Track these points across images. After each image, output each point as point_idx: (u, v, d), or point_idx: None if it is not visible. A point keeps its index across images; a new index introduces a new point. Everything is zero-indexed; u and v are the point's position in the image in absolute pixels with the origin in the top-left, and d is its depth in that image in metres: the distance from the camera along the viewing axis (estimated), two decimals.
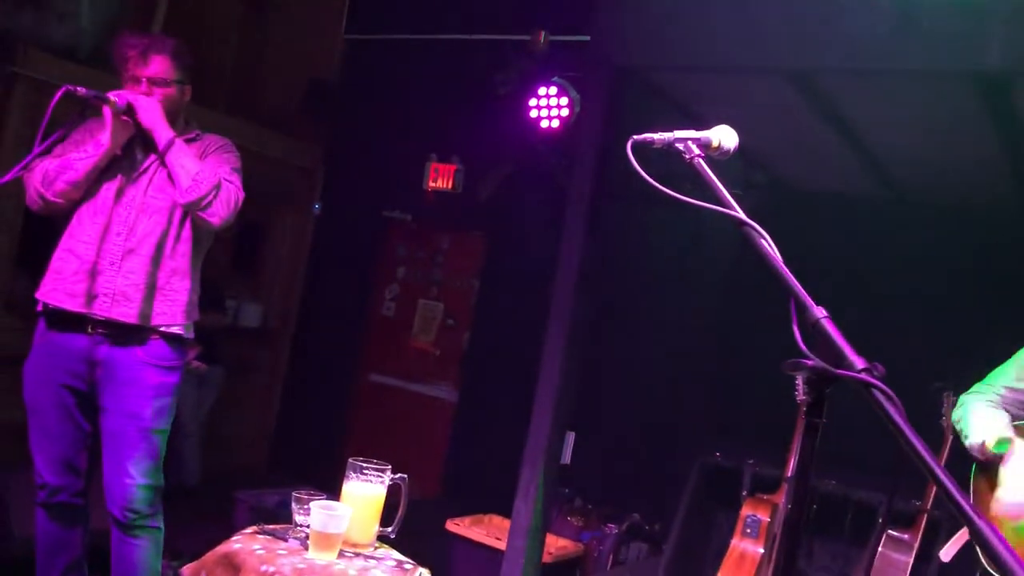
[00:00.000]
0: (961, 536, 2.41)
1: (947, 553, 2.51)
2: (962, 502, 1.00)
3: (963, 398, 2.71)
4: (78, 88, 2.60)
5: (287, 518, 2.26)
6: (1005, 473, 2.38)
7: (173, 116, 2.92)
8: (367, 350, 6.71)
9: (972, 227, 4.58)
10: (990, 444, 2.40)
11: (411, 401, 6.46)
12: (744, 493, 3.69)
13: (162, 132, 2.81)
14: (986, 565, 2.05)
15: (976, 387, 2.72)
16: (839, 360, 1.16)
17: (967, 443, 2.53)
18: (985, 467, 2.54)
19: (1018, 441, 2.33)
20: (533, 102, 4.46)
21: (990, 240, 4.47)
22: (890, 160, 4.50)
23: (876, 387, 1.11)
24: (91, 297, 2.78)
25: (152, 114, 2.80)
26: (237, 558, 2.05)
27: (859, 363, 1.14)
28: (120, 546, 2.88)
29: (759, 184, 5.26)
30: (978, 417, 2.52)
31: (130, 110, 2.78)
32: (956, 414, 2.64)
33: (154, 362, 2.86)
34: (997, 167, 4.14)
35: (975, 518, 0.99)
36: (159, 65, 2.86)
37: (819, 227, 4.77)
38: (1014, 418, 2.47)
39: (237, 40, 6.45)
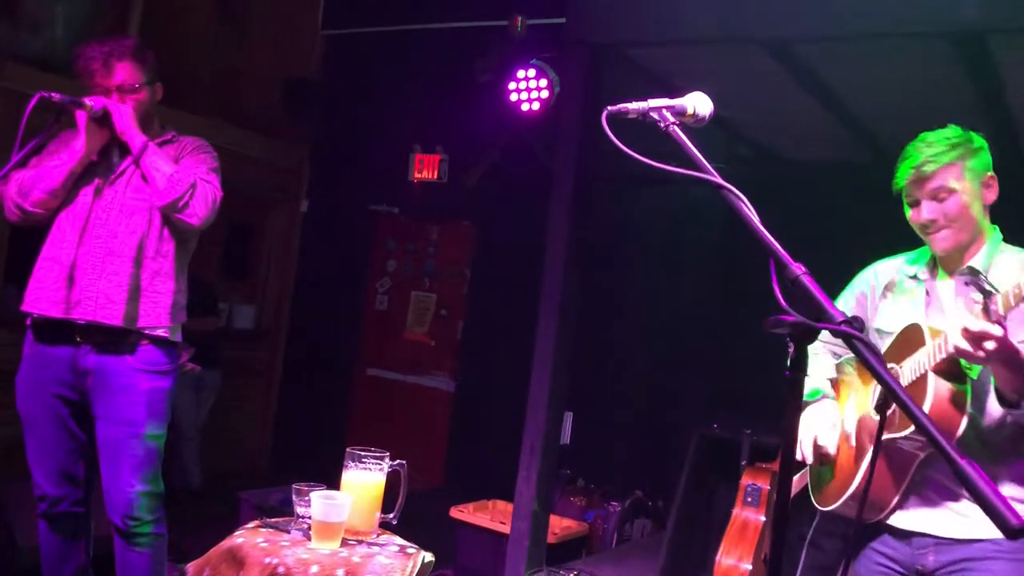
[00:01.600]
0: (798, 482, 2.28)
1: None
2: (944, 444, 1.01)
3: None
4: (53, 94, 2.59)
5: (291, 514, 2.27)
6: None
7: (147, 118, 2.90)
8: (362, 345, 6.72)
9: None
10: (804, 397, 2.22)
11: (409, 393, 6.48)
12: (743, 463, 3.71)
13: (135, 137, 2.80)
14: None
15: None
16: (819, 314, 1.17)
17: None
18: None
19: (854, 377, 2.15)
20: (512, 86, 4.46)
21: None
22: (872, 125, 4.51)
23: (856, 338, 1.12)
24: (73, 303, 2.76)
25: (125, 120, 2.79)
26: (241, 552, 2.06)
27: (839, 316, 1.16)
28: (124, 554, 2.88)
29: (744, 157, 5.27)
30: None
31: (105, 116, 2.77)
32: None
33: (146, 368, 2.85)
34: (978, 125, 4.15)
35: (957, 459, 1.00)
36: (124, 72, 2.83)
37: (806, 197, 4.78)
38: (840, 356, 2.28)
39: (213, 43, 6.42)
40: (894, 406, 1.72)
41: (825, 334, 1.94)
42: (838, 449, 2.07)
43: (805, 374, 1.19)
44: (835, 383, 2.21)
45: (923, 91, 3.87)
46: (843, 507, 2.03)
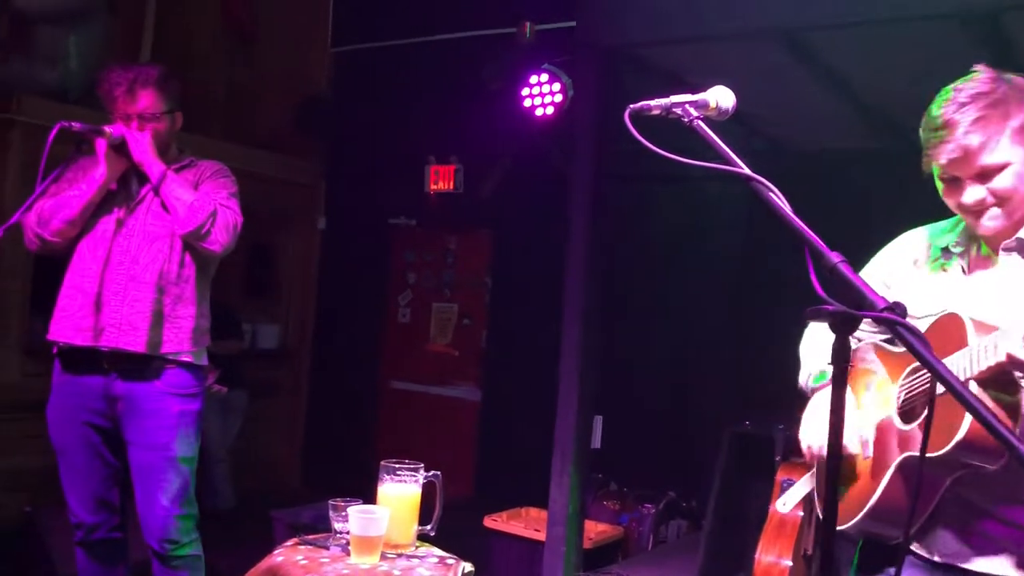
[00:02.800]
0: (804, 484, 1.96)
1: (786, 504, 2.12)
2: (999, 428, 0.99)
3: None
4: (72, 123, 2.62)
5: (325, 531, 2.26)
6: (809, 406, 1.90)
7: (165, 145, 2.92)
8: (386, 358, 6.72)
9: None
10: (810, 382, 1.92)
11: (435, 404, 6.47)
12: (777, 459, 3.67)
13: (154, 166, 2.81)
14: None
15: None
16: (860, 302, 1.15)
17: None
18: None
19: (877, 367, 1.77)
20: (526, 91, 4.46)
21: None
22: (889, 110, 4.47)
23: (901, 324, 1.10)
24: (99, 330, 2.78)
25: (143, 149, 2.80)
26: (281, 571, 2.05)
27: (880, 303, 1.14)
28: None
29: (761, 150, 5.24)
30: (808, 345, 1.98)
31: (123, 144, 2.79)
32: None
33: (174, 391, 2.86)
34: None
35: (1016, 443, 0.98)
36: (147, 100, 2.85)
37: (825, 186, 4.74)
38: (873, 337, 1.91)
39: (225, 65, 6.47)
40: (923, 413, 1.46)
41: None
42: (852, 456, 1.73)
43: (849, 365, 1.17)
44: (848, 371, 1.72)
45: (937, 75, 3.82)
46: (860, 525, 1.70)
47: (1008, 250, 1.65)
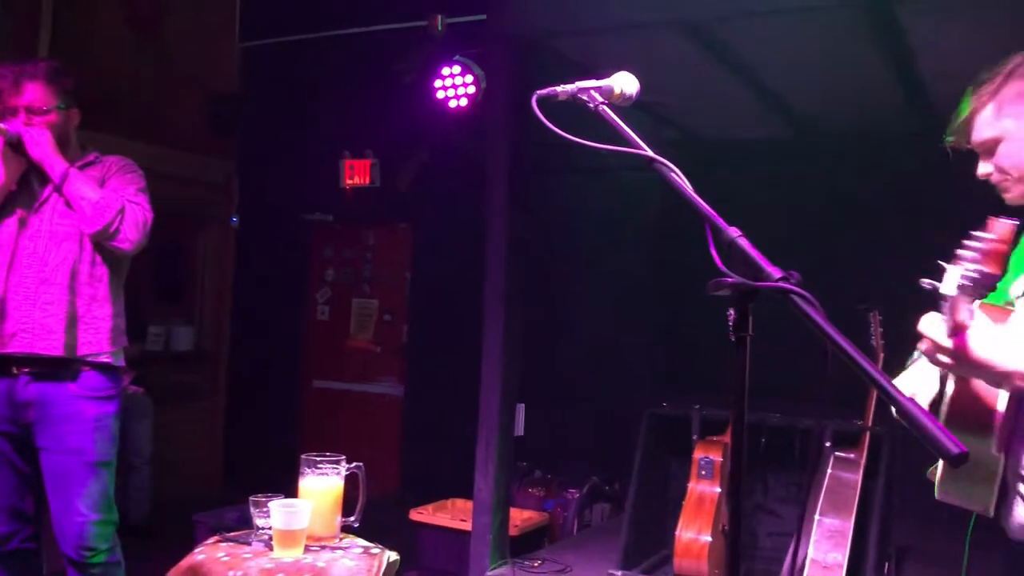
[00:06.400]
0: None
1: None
2: (886, 384, 1.05)
3: None
4: None
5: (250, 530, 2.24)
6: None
7: (63, 143, 2.82)
8: (307, 357, 6.65)
9: (873, 153, 4.77)
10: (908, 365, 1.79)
11: (358, 401, 6.43)
12: (694, 437, 3.78)
13: (55, 165, 2.71)
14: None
15: None
16: (757, 273, 1.21)
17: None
18: None
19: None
20: (438, 84, 4.46)
21: (893, 164, 4.65)
22: (790, 99, 4.63)
23: (795, 292, 1.16)
24: (9, 335, 2.69)
25: (42, 147, 2.70)
26: (203, 568, 2.03)
27: (776, 273, 1.19)
28: None
29: (671, 140, 5.37)
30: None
31: (20, 143, 2.69)
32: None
33: (89, 394, 2.78)
34: (892, 95, 4.30)
35: (900, 397, 1.04)
36: (34, 93, 2.74)
37: (732, 174, 4.89)
38: None
39: (130, 62, 6.28)
40: None
41: None
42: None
43: (749, 333, 1.22)
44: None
45: (836, 64, 3.98)
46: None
47: None
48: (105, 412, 2.81)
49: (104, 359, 2.81)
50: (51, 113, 2.77)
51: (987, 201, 1.62)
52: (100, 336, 2.80)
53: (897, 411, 1.05)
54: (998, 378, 1.35)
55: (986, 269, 1.22)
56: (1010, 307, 1.49)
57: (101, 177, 2.85)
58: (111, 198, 2.74)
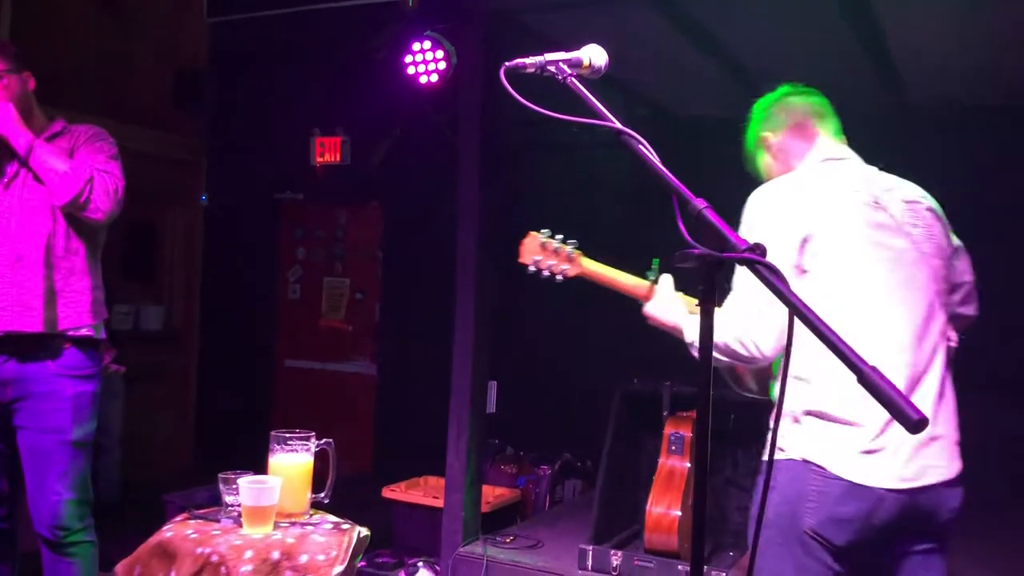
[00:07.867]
0: None
1: None
2: (848, 353, 1.06)
3: None
4: None
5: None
6: None
7: (26, 113, 2.76)
8: (279, 336, 6.61)
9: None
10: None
11: (330, 381, 6.41)
12: (665, 413, 3.80)
13: (19, 137, 2.66)
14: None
15: None
16: (723, 245, 1.21)
17: None
18: None
19: None
20: (409, 59, 4.41)
21: (860, 140, 4.68)
22: (761, 75, 4.63)
23: (760, 263, 1.16)
24: None
25: (4, 121, 2.65)
26: (171, 546, 2.02)
27: (742, 244, 1.20)
28: (54, 566, 2.80)
29: (643, 117, 5.37)
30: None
31: None
32: None
33: (68, 373, 2.76)
34: (862, 73, 4.32)
35: (862, 365, 1.05)
36: None
37: (705, 151, 4.89)
38: None
39: (94, 36, 6.15)
40: None
41: None
42: None
43: (716, 304, 1.23)
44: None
45: (806, 41, 3.99)
46: None
47: None
48: (84, 391, 2.79)
49: (85, 332, 2.78)
50: (3, 78, 2.70)
51: None
52: (80, 309, 2.77)
53: (859, 379, 1.06)
54: None
55: None
56: None
57: (70, 147, 2.80)
58: (80, 168, 2.69)
